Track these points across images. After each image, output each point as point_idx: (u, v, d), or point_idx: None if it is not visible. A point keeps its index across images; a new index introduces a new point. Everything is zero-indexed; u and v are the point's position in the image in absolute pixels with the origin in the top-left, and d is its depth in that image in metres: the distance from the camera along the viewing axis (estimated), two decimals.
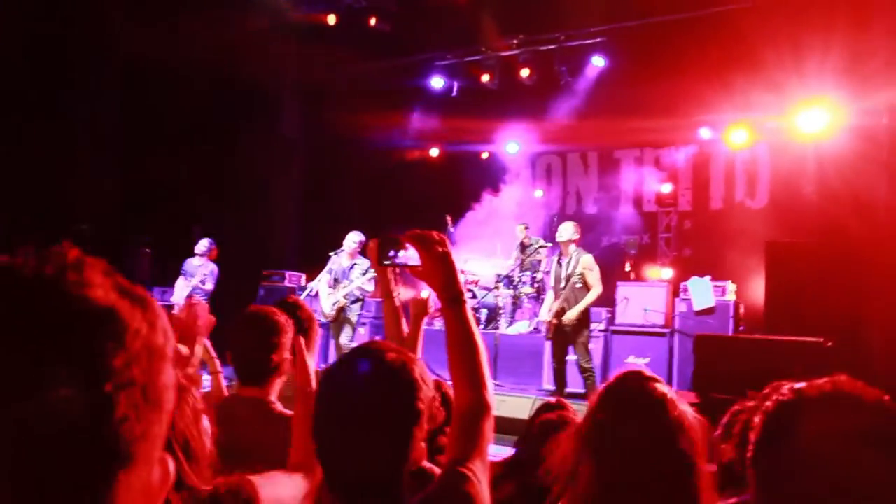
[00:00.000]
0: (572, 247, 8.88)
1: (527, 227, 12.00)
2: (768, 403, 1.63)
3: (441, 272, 2.06)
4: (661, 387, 1.86)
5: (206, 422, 2.23)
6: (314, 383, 2.13)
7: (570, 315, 8.67)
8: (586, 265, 8.71)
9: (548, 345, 9.81)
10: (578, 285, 8.65)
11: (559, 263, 8.99)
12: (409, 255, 2.15)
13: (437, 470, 2.06)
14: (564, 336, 8.84)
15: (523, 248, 11.82)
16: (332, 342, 10.89)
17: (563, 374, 9.11)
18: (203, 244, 11.42)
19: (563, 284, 8.77)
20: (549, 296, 9.30)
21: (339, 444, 1.80)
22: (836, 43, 9.32)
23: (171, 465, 0.89)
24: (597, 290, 8.72)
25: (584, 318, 8.83)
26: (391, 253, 2.21)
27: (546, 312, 9.14)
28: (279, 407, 3.15)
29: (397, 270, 2.51)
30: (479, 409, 1.98)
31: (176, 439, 2.04)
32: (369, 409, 1.77)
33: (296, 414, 2.19)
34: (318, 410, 1.85)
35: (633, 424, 1.80)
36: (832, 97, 10.17)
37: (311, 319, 3.63)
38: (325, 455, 1.83)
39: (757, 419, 1.62)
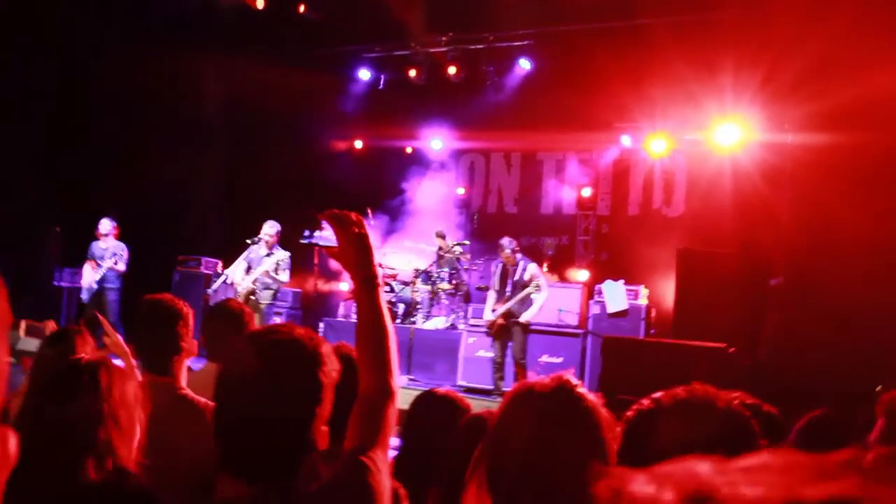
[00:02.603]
0: (518, 255, 9.76)
1: (443, 237, 12.05)
2: (629, 413, 1.74)
3: (356, 253, 2.05)
4: (589, 396, 1.81)
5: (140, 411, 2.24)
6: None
7: (528, 315, 9.58)
8: (535, 272, 9.68)
9: (468, 341, 10.64)
10: (531, 290, 9.54)
11: (505, 270, 9.80)
12: (327, 236, 2.15)
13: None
14: (507, 335, 9.69)
15: (440, 257, 11.90)
16: None
17: (503, 370, 9.82)
18: (105, 224, 11.06)
19: (509, 289, 9.66)
20: (492, 296, 9.94)
21: (240, 418, 1.79)
22: (748, 60, 9.63)
23: (13, 442, 0.92)
24: (545, 292, 9.66)
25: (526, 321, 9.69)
26: (307, 232, 2.21)
27: (490, 312, 9.85)
28: (189, 392, 3.22)
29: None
30: (383, 395, 1.97)
31: (106, 415, 2.06)
32: (271, 378, 1.77)
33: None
34: (219, 384, 1.84)
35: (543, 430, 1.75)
36: (745, 113, 10.51)
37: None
38: (224, 432, 1.82)
39: (618, 428, 1.72)
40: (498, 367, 9.88)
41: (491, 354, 10.04)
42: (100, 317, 4.70)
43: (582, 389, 1.71)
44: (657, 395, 1.72)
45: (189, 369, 3.52)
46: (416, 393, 3.47)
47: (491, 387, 9.89)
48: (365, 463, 1.85)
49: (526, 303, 9.61)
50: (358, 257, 2.05)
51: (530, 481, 1.63)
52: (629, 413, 1.72)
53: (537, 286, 9.57)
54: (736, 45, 9.73)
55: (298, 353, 1.80)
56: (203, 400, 3.14)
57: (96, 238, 11.14)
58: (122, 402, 2.22)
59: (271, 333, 1.86)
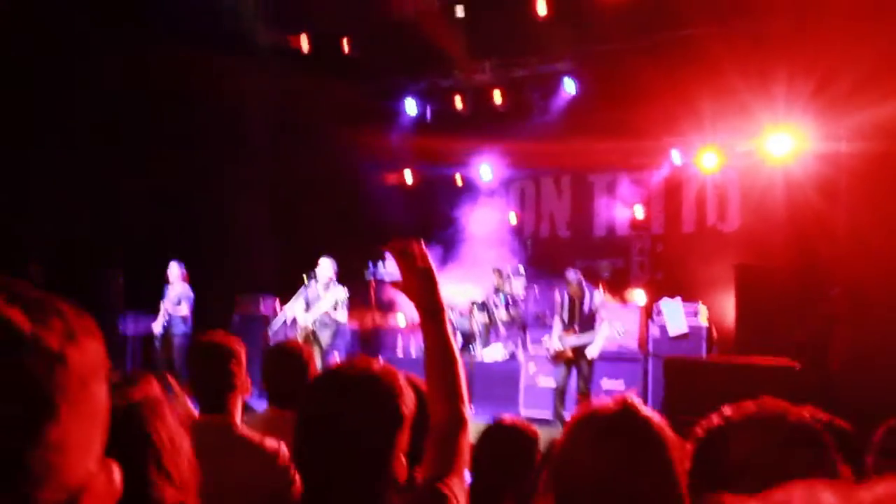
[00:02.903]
0: (585, 284, 9.70)
1: (500, 273, 12.03)
2: (698, 430, 1.72)
3: (421, 285, 2.05)
4: (654, 418, 1.81)
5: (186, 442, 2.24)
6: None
7: (593, 350, 9.44)
8: (602, 300, 9.76)
9: (528, 370, 10.77)
10: (606, 332, 9.53)
11: (573, 300, 9.71)
12: (391, 269, 2.15)
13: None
14: (573, 364, 9.60)
15: (497, 291, 11.89)
16: None
17: (564, 398, 9.64)
18: (173, 268, 11.34)
19: (577, 320, 9.58)
20: (558, 324, 9.81)
21: (323, 453, 1.80)
22: (801, 69, 9.48)
23: (118, 474, 0.93)
24: (608, 328, 9.54)
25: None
26: (371, 266, 2.21)
27: (557, 340, 9.70)
28: (245, 431, 3.23)
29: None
30: (456, 424, 1.97)
31: (150, 450, 2.06)
32: (354, 412, 1.78)
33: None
34: (300, 419, 1.85)
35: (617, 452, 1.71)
36: (798, 122, 10.32)
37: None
38: (307, 468, 1.84)
39: (688, 446, 1.68)
40: (559, 396, 9.72)
41: (552, 383, 9.89)
42: (169, 378, 4.75)
43: (646, 410, 1.68)
44: (726, 410, 1.70)
45: (245, 409, 3.55)
46: (480, 424, 3.44)
47: (551, 417, 9.73)
48: (442, 490, 1.86)
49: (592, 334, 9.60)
50: (423, 289, 2.06)
51: None
52: (698, 430, 1.69)
53: (621, 330, 9.61)
54: (788, 53, 9.60)
55: (379, 387, 1.81)
56: (259, 437, 3.17)
57: (166, 283, 11.37)
58: (171, 445, 2.22)
59: (350, 369, 1.87)
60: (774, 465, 1.55)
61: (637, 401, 1.71)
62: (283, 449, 3.19)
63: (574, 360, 9.54)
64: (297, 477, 3.03)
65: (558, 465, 1.72)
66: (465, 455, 1.99)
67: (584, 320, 9.54)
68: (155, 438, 2.12)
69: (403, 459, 1.84)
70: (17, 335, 0.82)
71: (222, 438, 3.10)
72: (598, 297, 9.68)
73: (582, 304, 9.60)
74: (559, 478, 1.70)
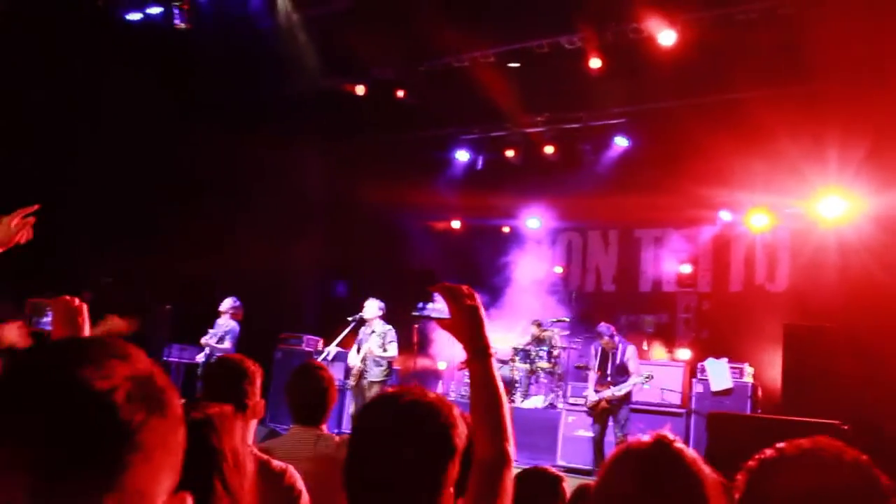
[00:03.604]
0: (617, 339, 9.94)
1: (540, 325, 12.04)
2: (751, 462, 1.71)
3: (468, 325, 2.08)
4: (687, 451, 1.80)
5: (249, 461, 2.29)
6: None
7: (618, 394, 9.69)
8: (632, 355, 9.90)
9: (566, 420, 10.74)
10: (637, 381, 9.76)
11: (605, 353, 9.97)
12: (438, 308, 2.19)
13: None
14: (609, 416, 9.80)
15: (539, 341, 11.91)
16: (346, 409, 10.95)
17: (602, 448, 9.77)
18: (227, 303, 11.40)
19: (610, 371, 9.87)
20: (592, 377, 10.09)
21: (376, 480, 1.81)
22: (853, 132, 9.47)
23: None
24: (637, 378, 9.75)
25: (627, 396, 9.82)
26: (420, 304, 2.26)
27: (592, 392, 9.98)
28: (255, 451, 3.23)
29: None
30: (501, 462, 1.98)
31: (217, 462, 2.11)
32: (408, 440, 1.80)
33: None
34: (352, 443, 1.87)
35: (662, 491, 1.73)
36: (851, 186, 10.26)
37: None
38: (356, 489, 1.84)
39: (740, 476, 1.69)
40: (598, 446, 9.78)
41: (590, 434, 10.02)
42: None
43: (681, 445, 1.70)
44: (780, 444, 1.69)
45: (255, 431, 3.58)
46: (517, 471, 3.48)
47: (590, 467, 9.72)
48: None
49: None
50: (471, 329, 2.08)
51: None
52: (751, 462, 1.68)
53: (648, 377, 9.75)
54: (841, 115, 9.61)
55: (435, 415, 1.84)
56: (266, 457, 3.19)
57: (218, 316, 11.48)
58: (235, 460, 2.26)
59: (406, 395, 1.89)
60: (826, 502, 1.55)
61: (671, 435, 1.73)
62: (291, 469, 3.21)
63: (609, 410, 9.71)
64: (304, 495, 3.08)
65: (596, 499, 1.73)
66: (509, 493, 1.99)
67: (615, 372, 9.75)
68: (223, 452, 2.18)
69: (452, 491, 1.85)
70: (99, 402, 0.95)
71: None
72: (630, 351, 9.85)
73: (614, 356, 9.81)
74: None
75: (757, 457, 1.69)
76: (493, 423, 2.01)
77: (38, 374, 0.98)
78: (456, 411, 1.89)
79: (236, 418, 2.42)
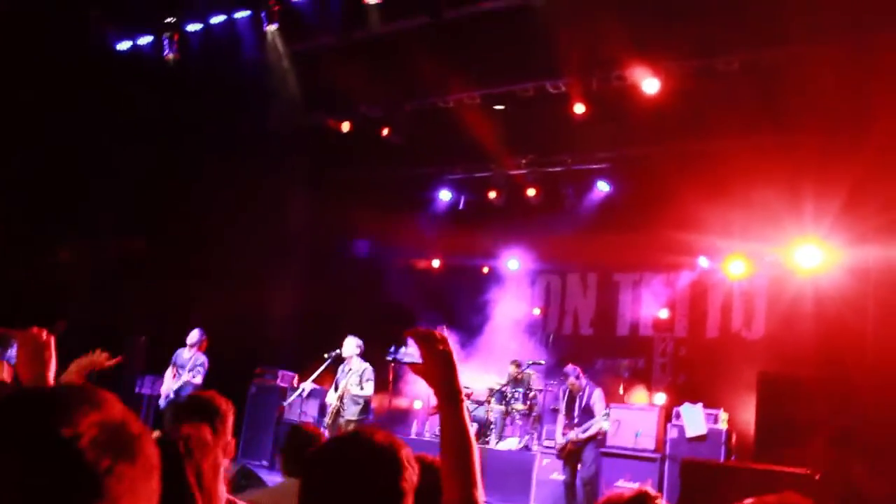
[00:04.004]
0: (583, 381, 10.15)
1: (519, 365, 12.04)
2: None
3: (441, 370, 2.10)
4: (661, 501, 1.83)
5: (222, 488, 2.26)
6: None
7: (582, 435, 9.83)
8: (597, 399, 10.03)
9: (541, 463, 10.72)
10: (600, 422, 9.93)
11: (572, 395, 10.14)
12: (411, 353, 2.21)
13: None
14: (578, 458, 9.92)
15: (516, 382, 11.90)
16: None
17: (574, 490, 9.91)
18: (194, 335, 11.30)
19: (576, 414, 10.00)
20: (561, 420, 10.25)
21: None
22: (830, 182, 9.61)
23: None
24: (601, 419, 9.95)
25: (593, 438, 9.94)
26: (392, 349, 2.27)
27: (560, 436, 10.12)
28: (229, 496, 3.21)
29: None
30: None
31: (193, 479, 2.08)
32: (354, 486, 1.82)
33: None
34: (303, 488, 1.88)
35: None
36: (827, 236, 10.39)
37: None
38: None
39: None
40: (569, 490, 9.83)
41: (562, 477, 10.04)
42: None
43: (661, 501, 1.71)
44: (749, 500, 1.70)
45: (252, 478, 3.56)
46: None
47: None
48: None
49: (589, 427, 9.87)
50: (442, 374, 2.10)
51: None
52: None
53: (605, 415, 9.92)
54: (817, 165, 9.78)
55: (382, 460, 1.86)
56: (234, 498, 3.16)
57: (183, 345, 11.38)
58: (211, 475, 2.25)
59: (353, 440, 1.93)
60: None
61: (652, 491, 1.75)
62: None
63: (576, 453, 9.82)
64: None
65: None
66: None
67: (581, 414, 9.88)
68: (200, 468, 2.16)
69: None
70: (64, 449, 0.97)
71: None
72: (597, 394, 9.99)
73: (580, 399, 9.95)
74: None
75: None
76: (461, 468, 2.02)
77: (7, 422, 1.00)
78: (405, 453, 1.91)
79: (214, 444, 2.40)
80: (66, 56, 11.64)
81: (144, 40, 12.52)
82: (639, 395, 12.43)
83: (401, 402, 13.20)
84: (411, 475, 1.88)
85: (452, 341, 2.17)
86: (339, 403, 10.33)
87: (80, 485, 0.96)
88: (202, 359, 11.24)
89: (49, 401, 1.03)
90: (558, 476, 10.29)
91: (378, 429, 1.98)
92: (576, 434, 9.74)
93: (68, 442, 0.97)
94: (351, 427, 10.31)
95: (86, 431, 0.98)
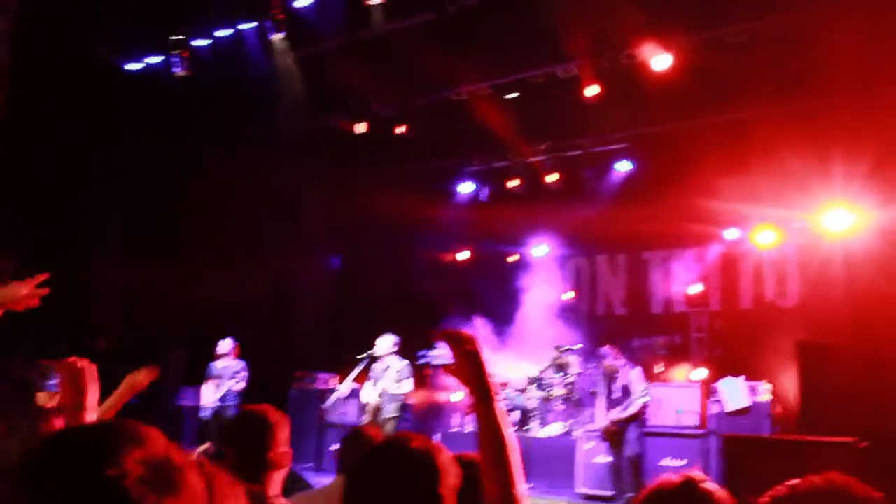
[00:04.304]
0: (619, 362, 9.86)
1: (559, 349, 12.01)
2: (762, 500, 1.71)
3: (471, 370, 2.11)
4: (717, 491, 1.80)
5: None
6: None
7: (622, 415, 9.57)
8: (634, 378, 9.73)
9: (584, 447, 10.58)
10: (640, 399, 9.64)
11: (609, 377, 9.87)
12: (441, 354, 2.23)
13: None
14: (622, 438, 9.66)
15: (556, 368, 11.88)
16: None
17: (620, 472, 9.65)
18: (226, 344, 11.42)
19: (616, 394, 9.72)
20: (600, 402, 10.02)
21: None
22: (859, 145, 9.47)
23: None
24: (639, 398, 9.62)
25: (635, 416, 9.67)
26: (422, 352, 2.29)
27: (602, 418, 9.93)
28: (279, 501, 3.27)
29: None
30: (507, 503, 1.99)
31: None
32: (393, 494, 1.85)
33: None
34: (346, 500, 1.92)
35: None
36: (857, 198, 10.25)
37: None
38: None
39: None
40: (615, 471, 9.71)
41: (609, 459, 9.93)
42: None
43: (709, 485, 1.70)
44: (792, 482, 1.69)
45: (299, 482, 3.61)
46: (540, 501, 3.45)
47: (610, 493, 9.66)
48: None
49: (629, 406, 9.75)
50: (473, 373, 2.12)
51: None
52: (764, 499, 1.68)
53: (644, 392, 9.71)
54: (846, 129, 9.64)
55: (417, 466, 1.89)
56: None
57: (215, 358, 11.51)
58: None
59: (390, 447, 1.96)
60: None
61: (699, 475, 1.74)
62: None
63: (619, 433, 9.62)
64: None
65: None
66: None
67: (622, 394, 9.71)
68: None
69: None
70: (109, 489, 0.99)
71: None
72: (635, 373, 9.77)
73: (618, 379, 9.78)
74: None
75: (769, 494, 1.69)
76: (499, 465, 2.03)
77: (51, 464, 1.02)
78: (443, 458, 1.93)
79: (235, 483, 2.40)
80: (76, 76, 11.76)
81: (154, 59, 12.64)
82: (678, 371, 12.36)
83: (439, 397, 13.23)
84: (450, 480, 1.91)
85: (482, 339, 2.18)
86: (379, 400, 10.38)
87: None
88: (240, 364, 11.36)
89: (92, 440, 1.05)
90: (602, 459, 10.24)
91: (416, 435, 2.01)
92: (617, 413, 9.62)
93: (114, 481, 0.99)
94: (390, 426, 10.38)
95: (131, 470, 1.00)
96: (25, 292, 3.04)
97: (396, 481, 1.86)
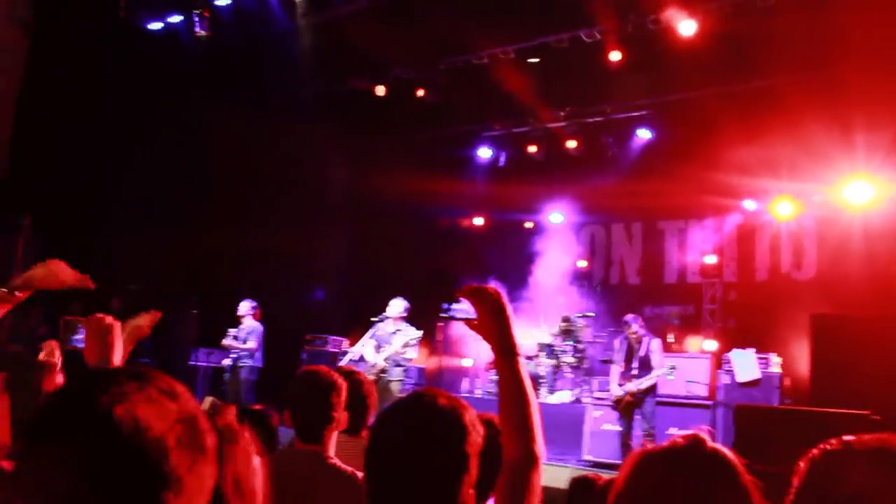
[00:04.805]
0: (643, 332, 9.76)
1: (568, 320, 11.99)
2: (815, 451, 1.68)
3: (495, 325, 2.08)
4: (724, 451, 1.73)
5: (256, 461, 2.28)
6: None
7: (642, 387, 9.49)
8: (656, 349, 9.66)
9: (593, 414, 10.40)
10: (662, 373, 9.56)
11: (630, 346, 9.79)
12: (465, 309, 2.20)
13: None
14: (634, 407, 9.62)
15: (566, 335, 11.87)
16: None
17: (630, 442, 9.64)
18: (245, 306, 11.49)
19: (635, 365, 9.62)
20: (615, 371, 9.90)
21: (391, 486, 1.84)
22: (881, 117, 9.34)
23: None
24: (662, 371, 9.50)
25: (652, 389, 9.61)
26: (445, 305, 2.26)
27: (616, 387, 9.79)
28: (337, 462, 3.30)
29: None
30: (528, 461, 1.98)
31: (226, 481, 2.10)
32: (420, 451, 1.82)
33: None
34: (369, 454, 1.90)
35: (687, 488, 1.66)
36: (879, 170, 10.14)
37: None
38: (376, 496, 1.87)
39: (802, 464, 1.66)
40: (625, 441, 9.72)
41: (617, 428, 9.91)
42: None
43: (716, 445, 1.67)
44: (846, 437, 1.65)
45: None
46: (546, 467, 3.46)
47: (618, 461, 9.69)
48: None
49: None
50: (497, 329, 2.08)
51: None
52: (815, 451, 1.65)
53: (671, 368, 9.61)
54: (868, 100, 9.49)
55: (446, 425, 1.85)
56: (350, 469, 3.22)
57: (238, 321, 11.56)
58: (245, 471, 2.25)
59: (418, 404, 1.91)
60: (890, 500, 1.54)
61: (706, 435, 1.70)
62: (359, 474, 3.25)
63: (634, 404, 9.57)
64: None
65: (628, 495, 1.68)
66: (537, 492, 1.99)
67: (640, 366, 9.61)
68: (229, 464, 2.16)
69: (472, 493, 1.86)
70: (152, 446, 0.97)
71: (315, 467, 3.19)
72: (655, 344, 9.69)
73: (638, 349, 9.69)
74: None
75: (821, 446, 1.67)
76: (520, 423, 2.01)
77: (90, 410, 0.97)
78: (469, 415, 1.89)
79: (245, 437, 2.39)
80: (97, 36, 11.74)
81: (175, 19, 12.60)
82: (689, 342, 12.33)
83: (451, 362, 13.28)
84: (476, 438, 1.88)
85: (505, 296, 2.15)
86: (385, 363, 10.43)
87: (163, 482, 0.97)
88: (255, 325, 11.43)
89: (136, 390, 1.00)
90: (610, 427, 10.24)
91: (442, 391, 1.97)
92: (635, 386, 9.55)
93: (159, 440, 0.97)
94: (393, 387, 10.44)
95: (172, 428, 0.98)
96: (145, 322, 3.08)
97: (422, 437, 1.83)
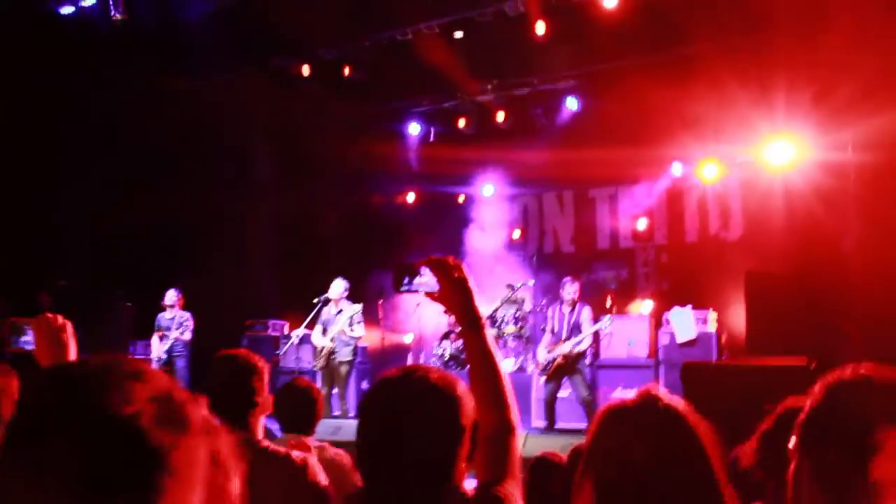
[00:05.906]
0: (576, 295, 10.06)
1: (511, 287, 12.13)
2: (818, 387, 1.70)
3: (459, 297, 2.11)
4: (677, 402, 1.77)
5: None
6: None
7: (578, 348, 9.81)
8: (586, 317, 9.96)
9: (539, 382, 10.45)
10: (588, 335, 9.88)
11: (561, 311, 10.06)
12: (426, 282, 2.20)
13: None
14: (562, 375, 9.84)
15: (509, 304, 12.02)
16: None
17: (553, 407, 9.94)
18: (171, 295, 11.45)
19: (566, 330, 9.86)
20: (547, 337, 10.13)
21: (384, 461, 1.85)
22: (801, 78, 9.68)
23: None
24: (590, 331, 9.92)
25: (582, 354, 9.88)
26: (406, 279, 2.27)
27: (544, 352, 9.99)
28: (269, 444, 3.31)
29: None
30: (504, 430, 2.01)
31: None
32: (415, 425, 1.83)
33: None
34: (360, 432, 1.90)
35: (650, 443, 1.68)
36: (798, 131, 10.52)
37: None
38: (369, 472, 1.89)
39: (808, 402, 1.68)
40: (549, 406, 9.96)
41: (566, 393, 10.16)
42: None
43: (669, 399, 1.71)
44: (859, 366, 1.66)
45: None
46: None
47: (582, 426, 9.72)
48: (498, 495, 1.91)
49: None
50: (461, 301, 2.11)
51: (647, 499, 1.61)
52: (830, 379, 1.67)
53: (605, 323, 9.92)
54: (789, 63, 9.82)
55: (441, 399, 1.87)
56: (283, 450, 3.24)
57: (162, 310, 11.45)
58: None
59: (410, 379, 1.91)
60: None
61: (660, 390, 1.74)
62: (311, 459, 3.28)
63: (565, 368, 9.75)
64: (326, 486, 3.13)
65: (592, 457, 1.71)
66: (517, 459, 2.03)
67: (572, 331, 9.87)
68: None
69: (464, 466, 1.90)
70: (127, 428, 0.94)
71: (247, 453, 3.19)
72: (586, 312, 9.98)
73: (570, 315, 9.95)
74: (595, 470, 1.68)
75: (836, 375, 1.67)
76: (493, 392, 2.03)
77: (58, 403, 0.95)
78: (461, 388, 1.91)
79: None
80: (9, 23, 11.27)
81: (89, 1, 12.12)
82: (627, 305, 12.65)
83: (393, 339, 13.33)
84: (469, 411, 1.90)
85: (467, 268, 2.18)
86: (332, 345, 10.46)
87: (149, 464, 0.93)
88: (185, 315, 11.41)
89: (98, 377, 0.97)
90: (561, 393, 10.46)
91: (431, 367, 1.98)
92: (570, 348, 9.70)
93: (130, 421, 0.93)
94: (344, 369, 10.49)
95: (144, 408, 0.95)
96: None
97: (418, 412, 1.84)
